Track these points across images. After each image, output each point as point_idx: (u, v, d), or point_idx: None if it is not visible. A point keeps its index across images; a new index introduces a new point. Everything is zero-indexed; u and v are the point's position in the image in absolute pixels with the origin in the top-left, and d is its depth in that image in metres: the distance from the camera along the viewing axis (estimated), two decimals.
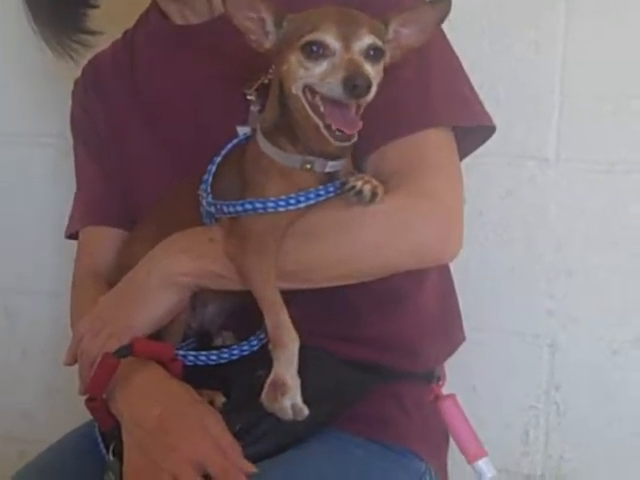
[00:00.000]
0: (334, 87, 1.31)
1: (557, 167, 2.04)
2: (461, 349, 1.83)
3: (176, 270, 1.50)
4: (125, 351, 1.45)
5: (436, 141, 1.56)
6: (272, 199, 1.43)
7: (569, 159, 2.04)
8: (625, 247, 2.04)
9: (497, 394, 2.17)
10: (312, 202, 1.45)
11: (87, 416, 1.57)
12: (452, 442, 1.77)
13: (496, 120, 1.64)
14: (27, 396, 2.61)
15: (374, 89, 1.32)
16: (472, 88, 1.64)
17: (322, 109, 1.35)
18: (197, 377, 1.52)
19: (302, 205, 1.44)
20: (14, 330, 2.60)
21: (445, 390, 1.78)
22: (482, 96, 1.65)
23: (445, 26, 1.52)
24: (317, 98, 1.35)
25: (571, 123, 2.03)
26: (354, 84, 1.29)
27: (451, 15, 1.44)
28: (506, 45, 2.05)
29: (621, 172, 2.01)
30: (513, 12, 2.04)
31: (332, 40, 1.34)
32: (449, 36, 1.63)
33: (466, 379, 2.07)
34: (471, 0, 2.00)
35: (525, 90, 2.04)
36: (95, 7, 1.89)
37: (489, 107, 1.64)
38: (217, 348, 1.59)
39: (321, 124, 1.36)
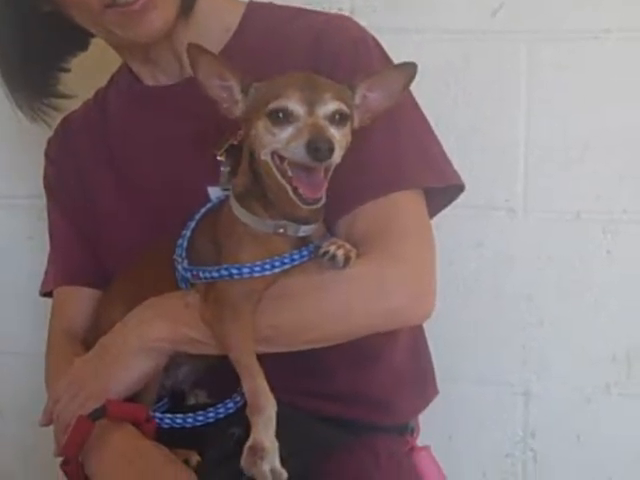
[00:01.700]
0: (298, 151, 1.33)
1: (525, 217, 2.08)
2: (436, 399, 1.84)
3: (153, 336, 1.52)
4: (99, 413, 1.46)
5: (406, 203, 1.58)
6: (247, 265, 1.45)
7: (536, 209, 2.08)
8: (594, 295, 2.07)
9: (473, 443, 2.19)
10: (287, 267, 1.47)
11: (62, 477, 1.56)
12: None
13: (463, 172, 1.67)
14: (4, 457, 2.58)
15: (338, 152, 1.35)
16: (440, 147, 1.67)
17: (290, 174, 1.37)
18: (171, 436, 1.53)
19: (277, 270, 1.46)
20: None
21: (421, 440, 1.80)
22: (449, 149, 1.68)
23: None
24: (285, 163, 1.38)
25: (537, 174, 2.06)
26: (316, 147, 1.31)
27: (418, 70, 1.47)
28: (472, 99, 2.08)
29: (587, 220, 2.05)
30: (477, 68, 2.07)
31: (296, 106, 1.37)
32: (416, 91, 1.65)
33: (442, 429, 2.08)
34: (436, 57, 2.05)
35: (491, 143, 2.08)
36: (66, 71, 1.90)
37: (456, 160, 1.67)
38: (191, 407, 1.60)
39: (289, 188, 1.38)
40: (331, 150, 1.32)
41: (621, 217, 2.03)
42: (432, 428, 1.85)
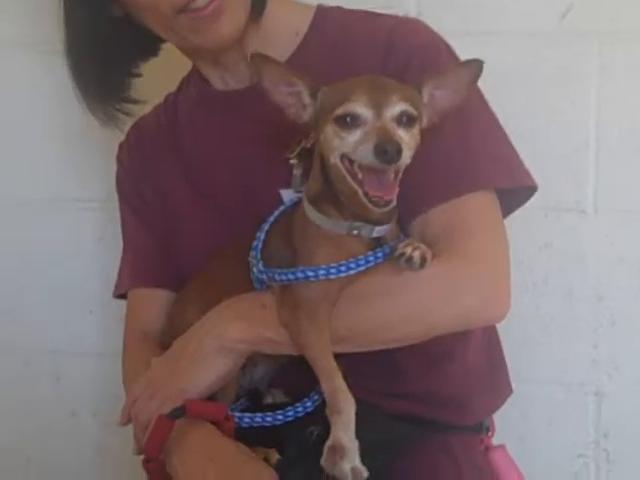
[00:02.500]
0: (367, 154, 1.35)
1: (595, 218, 2.07)
2: (508, 400, 1.84)
3: (231, 336, 1.54)
4: (179, 412, 1.48)
5: (480, 204, 1.59)
6: (323, 267, 1.47)
7: (606, 210, 2.07)
8: None
9: (545, 444, 2.17)
10: (362, 269, 1.48)
11: (137, 475, 1.60)
12: None
13: (534, 173, 1.66)
14: (81, 456, 2.62)
15: (407, 154, 1.36)
16: (512, 147, 1.67)
17: (360, 176, 1.38)
18: (250, 435, 1.55)
19: (352, 272, 1.48)
20: (62, 391, 2.62)
21: (494, 441, 1.79)
22: (519, 150, 1.67)
23: (481, 83, 1.54)
24: (355, 166, 1.39)
25: (608, 175, 2.05)
26: (384, 150, 1.32)
27: (486, 71, 1.48)
28: (542, 99, 2.08)
29: None
30: (548, 68, 2.07)
31: (363, 109, 1.38)
32: (485, 92, 1.66)
33: (514, 430, 2.07)
34: (506, 59, 2.04)
35: (562, 143, 2.07)
36: (138, 76, 1.93)
37: (526, 161, 1.67)
38: (268, 407, 1.62)
39: (360, 191, 1.39)
40: (399, 152, 1.33)
41: None
42: (504, 429, 1.85)
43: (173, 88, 1.98)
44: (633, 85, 2.02)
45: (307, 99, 1.48)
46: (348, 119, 1.39)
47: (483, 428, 1.77)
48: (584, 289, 2.10)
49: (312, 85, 1.47)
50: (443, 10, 2.08)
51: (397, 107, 1.39)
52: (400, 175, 1.40)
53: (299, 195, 1.61)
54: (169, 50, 1.88)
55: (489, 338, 1.82)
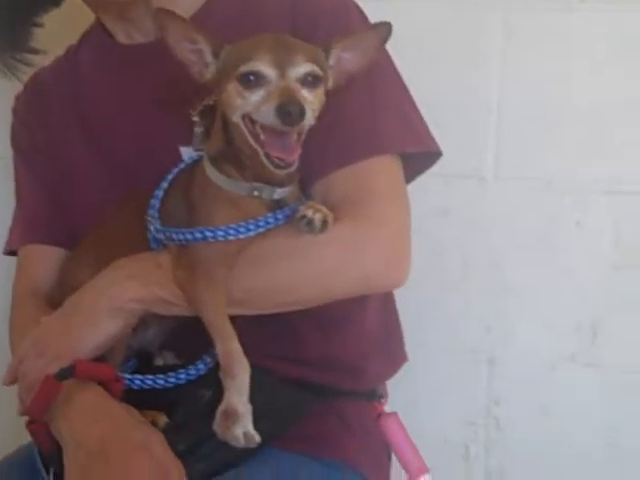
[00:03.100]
0: (269, 115, 1.33)
1: (495, 185, 2.09)
2: (403, 364, 1.85)
3: (124, 296, 1.50)
4: (67, 373, 1.44)
5: (384, 168, 1.58)
6: (222, 228, 1.44)
7: (506, 177, 2.08)
8: (561, 264, 2.08)
9: (437, 410, 2.20)
10: (262, 230, 1.46)
11: (26, 438, 1.55)
12: (394, 459, 1.78)
13: (435, 138, 1.66)
14: None
15: (310, 115, 1.34)
16: (419, 113, 1.66)
17: (262, 137, 1.36)
18: (139, 397, 1.52)
19: (252, 233, 1.46)
20: None
21: (386, 408, 1.80)
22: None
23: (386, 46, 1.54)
24: (257, 126, 1.37)
25: (508, 143, 2.07)
26: (287, 111, 1.30)
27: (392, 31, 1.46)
28: (444, 65, 2.08)
29: (558, 190, 2.06)
30: (451, 33, 2.07)
31: (267, 68, 1.36)
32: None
33: (406, 395, 2.08)
34: (409, 21, 2.01)
35: (463, 110, 2.08)
36: (39, 26, 1.88)
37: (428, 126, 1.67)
38: (159, 369, 1.59)
39: (261, 152, 1.37)
40: (302, 114, 1.31)
41: (591, 187, 2.04)
42: (397, 394, 1.87)
43: (74, 39, 1.92)
44: (536, 52, 2.03)
45: (209, 57, 1.45)
46: (251, 78, 1.36)
47: (376, 395, 1.78)
48: (481, 256, 2.13)
49: (215, 43, 1.44)
50: None
51: (302, 67, 1.38)
52: (303, 137, 1.38)
53: (199, 153, 1.58)
54: (72, 1, 1.81)
55: (386, 304, 1.82)
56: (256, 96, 1.36)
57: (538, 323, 2.11)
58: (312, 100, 1.37)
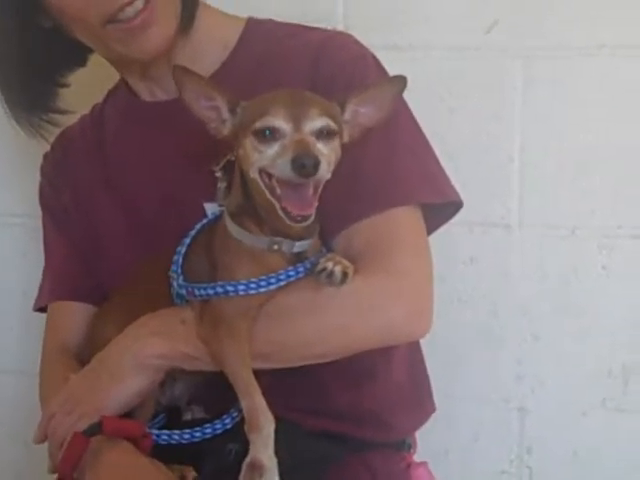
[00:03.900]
0: (284, 168, 1.33)
1: (520, 233, 2.08)
2: (432, 415, 1.83)
3: (149, 352, 1.51)
4: (95, 429, 1.45)
5: (404, 219, 1.58)
6: (243, 282, 1.45)
7: (531, 225, 2.07)
8: (589, 310, 2.07)
9: (469, 460, 2.18)
10: (282, 283, 1.47)
11: None
12: None
13: (458, 188, 1.67)
14: None
15: (325, 167, 1.34)
16: (438, 162, 1.67)
17: (278, 191, 1.37)
18: (167, 451, 1.53)
19: (273, 287, 1.46)
20: None
21: (417, 456, 1.79)
22: (443, 165, 1.68)
23: (406, 96, 1.55)
24: (273, 180, 1.37)
25: (532, 190, 2.06)
26: (302, 163, 1.31)
27: (410, 86, 1.48)
28: (466, 114, 2.08)
29: (582, 236, 2.04)
30: (471, 82, 2.07)
31: (282, 123, 1.37)
32: (410, 106, 1.66)
33: (437, 446, 2.07)
34: (429, 71, 2.05)
35: (486, 158, 2.08)
36: (65, 86, 1.90)
37: (451, 176, 1.67)
38: (188, 423, 1.60)
39: (277, 206, 1.37)
40: (316, 166, 1.31)
41: (616, 232, 2.03)
42: (427, 445, 1.85)
43: (100, 99, 1.95)
44: (556, 100, 2.03)
45: (226, 113, 1.47)
46: (267, 132, 1.38)
47: (405, 445, 1.77)
48: (508, 305, 2.11)
49: (231, 99, 1.46)
50: (370, 24, 2.07)
51: (317, 121, 1.39)
52: (320, 190, 1.38)
53: (222, 209, 1.59)
54: (97, 61, 1.85)
55: (413, 355, 1.82)
56: (272, 150, 1.37)
57: (568, 370, 2.09)
58: (327, 153, 1.38)
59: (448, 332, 2.05)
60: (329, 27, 1.95)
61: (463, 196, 1.67)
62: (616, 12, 1.98)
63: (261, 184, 1.40)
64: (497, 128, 2.07)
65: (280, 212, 1.37)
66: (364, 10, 2.10)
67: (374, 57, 1.70)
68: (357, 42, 1.72)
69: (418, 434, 1.82)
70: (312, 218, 1.38)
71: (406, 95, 1.53)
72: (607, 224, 2.03)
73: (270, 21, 1.80)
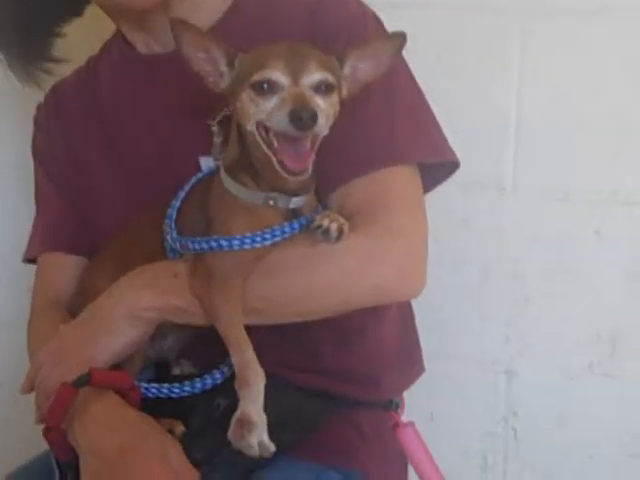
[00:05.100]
0: (281, 121, 1.32)
1: (514, 196, 2.07)
2: (421, 376, 1.85)
3: (141, 304, 1.51)
4: (83, 380, 1.45)
5: (401, 178, 1.58)
6: (237, 237, 1.44)
7: (525, 187, 2.07)
8: (580, 274, 2.07)
9: (455, 421, 2.19)
10: (277, 239, 1.46)
11: (41, 448, 1.57)
12: (411, 469, 1.78)
13: (453, 148, 1.66)
14: None
15: (323, 121, 1.33)
16: (436, 122, 1.66)
17: (275, 145, 1.36)
18: (156, 405, 1.53)
19: (268, 243, 1.45)
20: None
21: (403, 418, 1.79)
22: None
23: (403, 55, 1.54)
24: (270, 134, 1.37)
25: (527, 153, 2.06)
26: (299, 116, 1.30)
27: (408, 45, 1.47)
28: (462, 74, 2.07)
29: (576, 201, 2.04)
30: (468, 42, 2.06)
31: (280, 76, 1.36)
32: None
33: (424, 407, 2.08)
34: (427, 30, 2.03)
35: (481, 118, 2.07)
36: (61, 36, 1.89)
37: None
38: (176, 377, 1.60)
39: (274, 159, 1.37)
40: (314, 119, 1.31)
41: (610, 198, 2.02)
42: (414, 406, 1.85)
43: (95, 48, 1.93)
44: (553, 62, 2.02)
45: (224, 66, 1.45)
46: (264, 86, 1.37)
47: (393, 405, 1.77)
48: (499, 266, 2.11)
49: (229, 52, 1.45)
50: None
51: (315, 75, 1.38)
52: (317, 145, 1.38)
53: (218, 163, 1.58)
54: (93, 11, 1.83)
55: (404, 315, 1.82)
56: (269, 103, 1.36)
57: (557, 334, 2.10)
58: (325, 107, 1.37)
59: (438, 293, 2.04)
60: None
61: (458, 157, 1.66)
62: None
63: (258, 137, 1.39)
64: (494, 89, 2.06)
65: (276, 165, 1.36)
66: None
67: (374, 15, 1.68)
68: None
69: (406, 394, 1.82)
70: (309, 172, 1.38)
71: (405, 54, 1.52)
72: (601, 189, 2.03)
73: None
